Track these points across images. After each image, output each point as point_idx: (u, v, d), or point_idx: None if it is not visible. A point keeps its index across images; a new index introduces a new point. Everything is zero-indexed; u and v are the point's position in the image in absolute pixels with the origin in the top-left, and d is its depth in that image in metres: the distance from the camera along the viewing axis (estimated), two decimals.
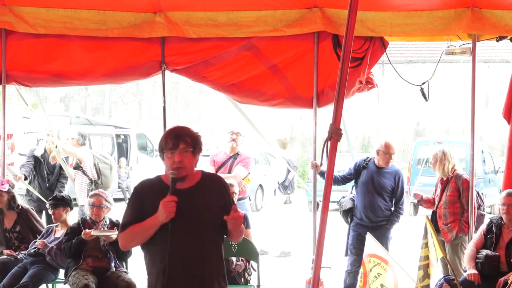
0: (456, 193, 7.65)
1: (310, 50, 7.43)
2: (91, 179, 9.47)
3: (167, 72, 7.74)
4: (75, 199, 8.25)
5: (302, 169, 26.09)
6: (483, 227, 7.11)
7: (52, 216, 7.39)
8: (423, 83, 7.54)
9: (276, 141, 12.12)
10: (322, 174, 7.45)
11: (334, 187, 4.66)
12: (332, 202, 5.76)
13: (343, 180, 8.04)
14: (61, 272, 7.23)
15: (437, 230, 7.43)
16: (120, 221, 7.02)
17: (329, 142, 4.46)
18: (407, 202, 8.31)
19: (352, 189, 8.15)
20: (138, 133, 23.14)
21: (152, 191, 4.03)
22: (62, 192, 9.29)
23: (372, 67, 7.39)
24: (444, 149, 7.94)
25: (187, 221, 3.92)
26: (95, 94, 31.44)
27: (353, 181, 8.10)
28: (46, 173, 9.73)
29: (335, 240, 8.29)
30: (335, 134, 4.44)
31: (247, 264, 7.35)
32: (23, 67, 7.77)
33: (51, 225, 7.53)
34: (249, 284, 7.26)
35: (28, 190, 9.66)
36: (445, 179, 7.80)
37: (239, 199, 8.62)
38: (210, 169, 8.99)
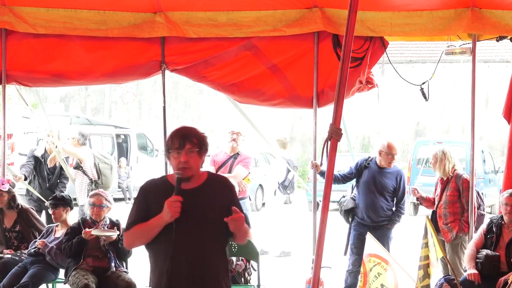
0: (456, 193, 7.65)
1: (310, 50, 7.43)
2: (91, 179, 9.47)
3: (167, 72, 7.74)
4: (75, 199, 8.25)
5: (302, 169, 26.09)
6: (483, 226, 7.11)
7: (52, 216, 7.39)
8: (423, 83, 7.54)
9: (276, 141, 12.12)
10: (322, 174, 7.45)
11: (334, 187, 4.65)
12: (332, 202, 5.76)
13: (343, 179, 8.05)
14: (61, 272, 7.22)
15: (437, 230, 7.43)
16: (120, 221, 7.09)
17: (329, 142, 4.46)
18: (407, 202, 8.32)
19: (352, 188, 8.15)
20: (138, 133, 23.14)
21: (158, 191, 4.03)
22: (63, 192, 9.28)
23: (372, 67, 7.39)
24: (444, 149, 7.94)
25: (191, 221, 3.92)
26: (95, 94, 31.44)
27: (353, 180, 8.11)
28: (46, 173, 9.72)
29: (335, 240, 8.29)
30: (335, 134, 4.44)
31: (247, 264, 7.35)
32: (23, 67, 7.77)
33: (51, 225, 7.52)
34: (249, 284, 7.26)
35: (28, 190, 9.66)
36: (445, 179, 7.80)
37: (239, 199, 8.61)
38: (210, 169, 8.99)
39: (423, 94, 7.55)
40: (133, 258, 7.19)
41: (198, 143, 3.99)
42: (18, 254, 7.36)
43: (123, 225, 7.06)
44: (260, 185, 19.33)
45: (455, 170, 7.76)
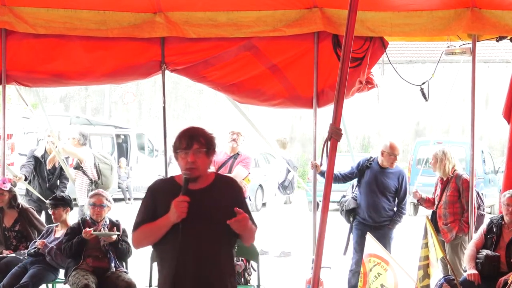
0: (456, 193, 7.65)
1: (310, 50, 7.43)
2: (91, 179, 9.47)
3: (167, 72, 7.74)
4: (75, 199, 8.25)
5: (302, 169, 26.09)
6: (483, 227, 7.11)
7: (52, 216, 7.39)
8: (423, 83, 7.54)
9: (276, 141, 12.12)
10: (322, 173, 7.45)
11: (333, 187, 4.65)
12: (332, 202, 5.75)
13: (344, 178, 8.05)
14: (61, 272, 7.22)
15: (437, 230, 7.43)
16: (120, 221, 7.09)
17: (329, 142, 4.46)
18: (408, 202, 8.32)
19: (353, 188, 8.15)
20: (138, 133, 23.15)
21: (165, 191, 4.04)
22: (63, 192, 9.28)
23: (372, 67, 7.38)
24: (445, 149, 7.94)
25: (198, 222, 3.92)
26: (95, 94, 31.44)
27: (353, 180, 8.11)
28: (46, 173, 9.72)
29: (335, 240, 8.29)
30: (335, 134, 4.44)
31: (247, 264, 7.35)
32: (23, 67, 7.76)
33: (51, 225, 7.52)
34: (249, 284, 7.26)
35: (28, 190, 9.66)
36: (445, 179, 7.80)
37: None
38: (211, 169, 8.97)
39: (423, 94, 7.55)
40: (133, 258, 7.19)
41: (205, 143, 4.00)
42: (21, 254, 7.35)
43: (123, 225, 7.08)
44: (260, 185, 19.33)
45: (455, 170, 7.76)
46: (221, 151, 9.45)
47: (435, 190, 7.95)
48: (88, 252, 6.84)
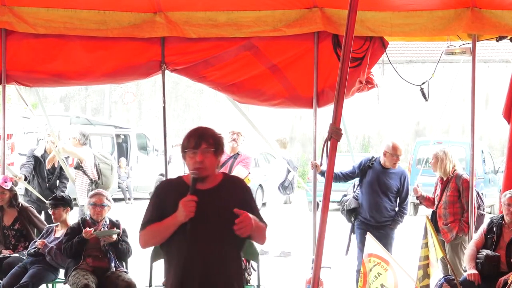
0: (456, 193, 7.65)
1: (310, 50, 7.43)
2: (91, 179, 9.47)
3: (167, 72, 7.74)
4: (75, 199, 8.25)
5: (302, 169, 26.09)
6: (483, 226, 7.11)
7: (52, 216, 7.39)
8: (423, 83, 7.54)
9: (276, 141, 12.12)
10: (322, 173, 7.44)
11: (334, 187, 4.65)
12: (332, 202, 5.75)
13: (345, 177, 8.04)
14: (61, 272, 7.23)
15: (437, 230, 7.43)
16: (120, 221, 7.09)
17: (329, 142, 4.46)
18: (408, 202, 8.32)
19: (354, 187, 8.14)
20: (138, 133, 23.15)
21: (173, 190, 4.03)
22: (63, 192, 9.28)
23: (372, 67, 7.39)
24: (445, 149, 7.94)
25: (206, 221, 3.92)
26: (95, 94, 31.44)
27: (354, 179, 8.10)
28: (46, 173, 9.72)
29: (335, 240, 8.29)
30: (335, 134, 4.44)
31: (247, 264, 7.34)
32: (23, 67, 7.76)
33: (51, 225, 7.53)
34: (249, 284, 7.26)
35: (27, 190, 9.65)
36: (445, 179, 7.80)
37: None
38: None
39: (423, 94, 7.55)
40: (133, 258, 7.19)
41: (214, 143, 3.99)
42: (23, 254, 7.35)
43: (123, 225, 7.08)
44: (260, 185, 19.33)
45: (455, 170, 7.76)
46: None
47: (435, 190, 7.95)
48: (88, 252, 6.84)
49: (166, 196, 4.04)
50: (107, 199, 7.06)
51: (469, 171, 7.53)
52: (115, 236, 6.81)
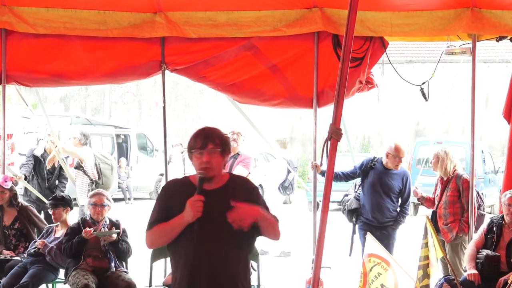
0: (456, 193, 7.65)
1: (310, 50, 7.43)
2: (92, 179, 9.47)
3: (167, 72, 7.74)
4: (75, 199, 8.25)
5: (302, 169, 26.08)
6: (483, 226, 7.11)
7: (52, 216, 7.39)
8: (423, 83, 7.54)
9: (276, 141, 12.12)
10: (323, 173, 7.43)
11: (334, 187, 4.65)
12: (333, 202, 5.75)
13: (346, 177, 8.03)
14: (61, 272, 7.22)
15: (437, 230, 7.43)
16: (120, 221, 7.09)
17: (329, 142, 4.46)
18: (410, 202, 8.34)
19: (355, 187, 8.14)
20: (138, 133, 23.15)
21: (180, 191, 4.03)
22: (63, 192, 9.28)
23: (372, 67, 7.38)
24: (446, 149, 7.94)
25: (212, 222, 3.91)
26: (95, 94, 31.44)
27: (355, 179, 8.09)
28: (46, 173, 9.72)
29: (336, 240, 8.29)
30: (335, 134, 4.43)
31: None
32: (23, 67, 7.76)
33: (51, 225, 7.53)
34: None
35: (26, 190, 9.64)
36: (445, 179, 7.80)
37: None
38: None
39: (423, 94, 7.55)
40: (133, 258, 7.19)
41: (220, 143, 3.99)
42: (24, 257, 7.34)
43: (123, 225, 7.08)
44: (260, 185, 19.31)
45: (455, 170, 7.76)
46: None
47: (435, 190, 7.95)
48: (88, 252, 6.84)
49: (172, 196, 4.04)
50: (107, 199, 7.06)
51: (469, 171, 7.53)
52: (115, 236, 6.81)
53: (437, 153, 7.86)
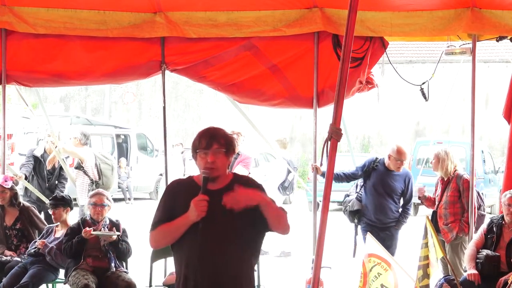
0: (457, 193, 7.65)
1: (310, 50, 7.43)
2: (92, 179, 9.47)
3: (167, 72, 7.74)
4: (75, 199, 8.25)
5: (302, 169, 26.08)
6: (483, 226, 7.11)
7: (52, 216, 7.39)
8: (423, 83, 7.54)
9: (276, 141, 12.12)
10: (324, 175, 7.43)
11: (334, 187, 4.65)
12: (333, 202, 5.76)
13: (347, 178, 8.02)
14: (61, 272, 7.23)
15: (437, 230, 7.43)
16: (120, 221, 7.09)
17: (329, 142, 4.46)
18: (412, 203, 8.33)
19: (357, 188, 8.12)
20: (138, 133, 23.15)
21: (184, 190, 4.03)
22: (62, 192, 9.27)
23: (372, 67, 7.39)
24: (446, 149, 7.94)
25: (217, 221, 3.91)
26: (95, 94, 31.44)
27: (356, 180, 8.08)
28: (46, 173, 9.72)
29: (336, 240, 8.29)
30: (335, 134, 4.43)
31: None
32: (23, 67, 7.76)
33: (51, 225, 7.52)
34: None
35: (26, 191, 9.64)
36: (445, 179, 7.80)
37: None
38: None
39: (423, 94, 7.55)
40: (133, 258, 7.19)
41: (225, 143, 3.99)
42: (23, 255, 7.34)
43: (123, 225, 7.08)
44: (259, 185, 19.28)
45: (456, 170, 7.76)
46: None
47: (436, 190, 7.95)
48: (88, 252, 6.84)
49: (176, 196, 4.04)
50: (107, 199, 7.06)
51: (469, 171, 7.53)
52: (115, 236, 6.81)
53: (437, 154, 7.85)
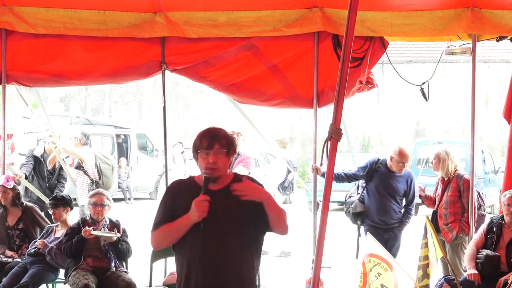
0: (457, 193, 7.65)
1: (310, 50, 7.43)
2: (92, 179, 9.47)
3: (167, 72, 7.74)
4: (75, 199, 8.25)
5: (302, 169, 26.08)
6: (483, 226, 7.11)
7: (52, 216, 7.39)
8: (423, 83, 7.54)
9: (276, 141, 12.12)
10: (324, 175, 7.42)
11: (334, 187, 4.65)
12: (333, 202, 5.75)
13: (349, 178, 8.00)
14: (61, 272, 7.23)
15: (437, 230, 7.43)
16: (120, 221, 7.09)
17: (329, 142, 4.46)
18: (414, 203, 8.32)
19: (358, 189, 8.11)
20: (138, 133, 23.14)
21: (185, 191, 4.03)
22: (61, 192, 9.27)
23: (372, 67, 7.39)
24: (447, 149, 7.94)
25: (218, 221, 3.92)
26: (95, 94, 31.44)
27: (357, 181, 8.07)
28: (46, 173, 9.71)
29: (336, 240, 8.29)
30: (335, 134, 4.43)
31: None
32: (23, 67, 7.76)
33: (51, 225, 7.52)
34: None
35: (27, 191, 9.63)
36: (446, 179, 7.80)
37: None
38: None
39: (423, 94, 7.55)
40: (133, 258, 7.19)
41: (226, 144, 3.99)
42: (24, 256, 7.34)
43: (123, 225, 7.08)
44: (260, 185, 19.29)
45: (456, 170, 7.76)
46: None
47: (436, 190, 7.95)
48: (88, 252, 6.84)
49: (177, 196, 4.04)
50: (107, 198, 7.06)
51: (469, 171, 7.53)
52: (115, 237, 6.80)
53: (438, 154, 7.85)
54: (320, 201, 4.52)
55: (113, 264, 6.82)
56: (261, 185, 4.14)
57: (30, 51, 7.70)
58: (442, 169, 7.79)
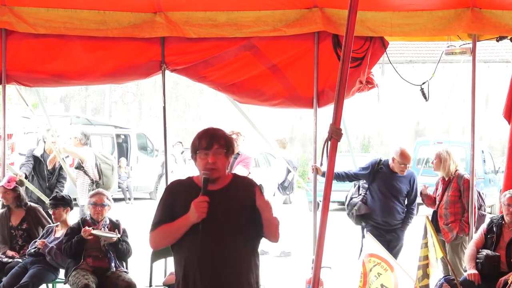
0: (458, 193, 7.65)
1: (310, 50, 7.43)
2: (92, 179, 9.46)
3: (167, 72, 7.75)
4: (75, 199, 8.25)
5: (302, 169, 26.08)
6: (483, 226, 7.11)
7: (52, 216, 7.39)
8: (423, 83, 7.54)
9: (275, 141, 12.12)
10: (324, 175, 7.40)
11: (334, 187, 4.65)
12: (333, 202, 5.75)
13: (349, 178, 7.98)
14: (61, 272, 7.23)
15: (437, 230, 7.43)
16: (120, 221, 7.09)
17: (329, 142, 4.46)
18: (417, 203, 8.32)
19: (359, 190, 8.09)
20: (138, 133, 23.14)
21: (184, 191, 4.03)
22: (61, 192, 9.27)
23: (372, 67, 7.39)
24: (448, 149, 7.94)
25: (217, 222, 3.92)
26: (95, 94, 31.44)
27: (358, 181, 8.06)
28: (46, 173, 9.71)
29: (336, 240, 8.28)
30: (335, 134, 4.43)
31: None
32: (23, 67, 7.76)
33: (51, 225, 7.52)
34: None
35: (27, 191, 9.61)
36: (447, 179, 7.80)
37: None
38: None
39: (423, 94, 7.55)
40: (133, 258, 7.19)
41: (225, 144, 4.00)
42: (25, 256, 7.34)
43: (123, 225, 7.08)
44: (260, 184, 19.29)
45: (457, 170, 7.76)
46: None
47: (436, 190, 7.95)
48: (88, 252, 6.84)
49: (176, 197, 4.04)
50: (107, 198, 7.06)
51: (469, 171, 7.53)
52: (115, 238, 6.80)
53: (439, 154, 7.85)
54: (320, 201, 4.52)
55: (113, 264, 6.82)
56: (259, 185, 4.13)
57: (30, 51, 7.70)
58: (443, 169, 7.79)
